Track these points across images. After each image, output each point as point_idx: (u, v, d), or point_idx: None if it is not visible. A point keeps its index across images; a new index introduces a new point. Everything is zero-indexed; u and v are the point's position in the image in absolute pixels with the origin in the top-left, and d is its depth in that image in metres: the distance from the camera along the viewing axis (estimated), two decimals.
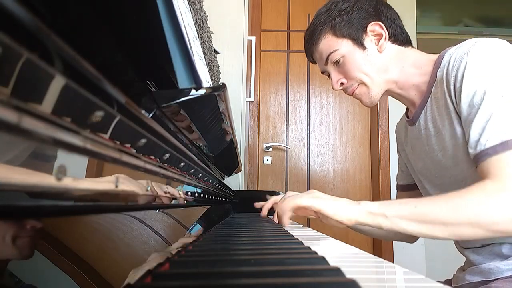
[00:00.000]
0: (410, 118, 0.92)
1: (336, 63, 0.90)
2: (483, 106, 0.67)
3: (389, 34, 0.87)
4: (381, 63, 0.88)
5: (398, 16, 0.91)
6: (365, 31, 0.87)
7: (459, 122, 0.76)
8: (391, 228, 0.67)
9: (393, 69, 0.88)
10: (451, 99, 0.76)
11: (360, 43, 0.87)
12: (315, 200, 0.74)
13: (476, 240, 0.82)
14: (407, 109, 0.97)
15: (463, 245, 0.88)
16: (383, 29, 0.87)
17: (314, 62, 0.98)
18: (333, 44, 0.89)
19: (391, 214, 0.67)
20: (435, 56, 0.85)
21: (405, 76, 0.88)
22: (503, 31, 2.69)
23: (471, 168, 0.76)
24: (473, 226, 0.62)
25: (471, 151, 0.68)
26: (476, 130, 0.68)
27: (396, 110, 2.23)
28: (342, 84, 0.92)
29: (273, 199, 1.16)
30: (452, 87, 0.75)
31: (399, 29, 0.89)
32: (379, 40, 0.87)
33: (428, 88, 0.84)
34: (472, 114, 0.69)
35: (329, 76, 0.94)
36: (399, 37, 0.89)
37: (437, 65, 0.82)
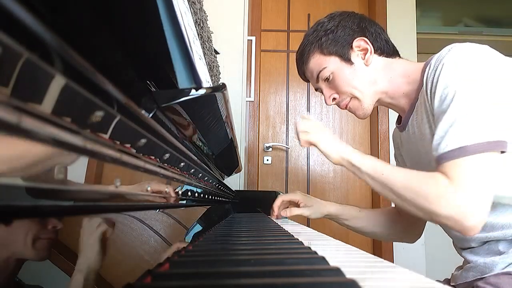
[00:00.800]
0: (401, 124, 0.96)
1: (327, 79, 0.94)
2: (449, 111, 0.71)
3: (374, 48, 0.91)
4: (369, 76, 0.92)
5: (383, 30, 0.96)
6: (351, 47, 0.91)
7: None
8: (361, 178, 0.82)
9: (381, 80, 0.92)
10: (429, 103, 0.80)
11: (347, 59, 0.91)
12: (313, 134, 0.89)
13: (472, 240, 0.83)
14: (399, 116, 1.00)
15: (461, 246, 0.88)
16: (368, 44, 0.91)
17: (307, 81, 1.03)
18: (322, 62, 0.93)
19: (364, 170, 0.80)
20: (422, 64, 0.88)
21: (394, 86, 0.91)
22: (503, 31, 2.68)
23: None
24: (417, 209, 0.72)
25: (433, 153, 0.73)
26: (439, 133, 0.72)
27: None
28: (334, 99, 0.96)
29: (280, 198, 1.17)
30: (429, 92, 0.79)
31: (384, 42, 0.93)
32: (365, 54, 0.91)
33: (416, 95, 0.88)
34: (440, 118, 0.73)
35: (322, 92, 0.98)
36: (385, 50, 0.93)
37: (423, 72, 0.85)
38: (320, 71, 0.94)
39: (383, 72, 0.92)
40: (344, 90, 0.93)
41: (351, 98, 0.94)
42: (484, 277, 0.79)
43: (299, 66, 1.02)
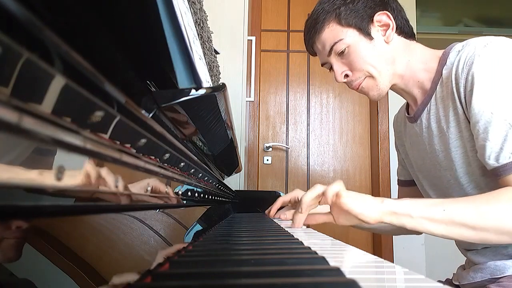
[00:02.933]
0: (412, 115, 0.90)
1: (341, 54, 0.85)
2: (499, 116, 0.66)
3: (396, 25, 0.84)
4: (388, 55, 0.84)
5: (403, 8, 0.88)
6: (372, 20, 0.83)
7: (467, 126, 0.74)
8: (414, 228, 0.67)
9: (400, 62, 0.84)
10: (460, 102, 0.74)
11: (366, 33, 0.83)
12: (346, 197, 0.70)
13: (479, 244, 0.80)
14: (407, 104, 0.94)
15: (465, 247, 0.86)
16: (390, 19, 0.83)
17: (314, 54, 0.93)
18: (338, 34, 0.84)
19: (418, 215, 0.66)
20: (439, 52, 0.82)
21: (411, 71, 0.85)
22: (503, 31, 2.68)
23: (477, 173, 0.75)
24: (501, 233, 0.63)
25: (490, 162, 0.67)
26: (495, 141, 0.66)
27: (396, 110, 2.23)
28: (346, 76, 0.87)
29: (281, 199, 1.08)
30: (462, 90, 0.72)
31: (404, 21, 0.86)
32: (386, 30, 0.84)
33: (432, 86, 0.82)
34: (485, 122, 0.67)
35: (330, 68, 0.90)
36: (405, 30, 0.86)
37: (442, 62, 0.79)
38: (335, 43, 0.84)
39: (402, 53, 0.84)
40: (360, 67, 0.84)
41: (365, 77, 0.85)
42: (495, 279, 0.76)
43: (309, 36, 0.90)
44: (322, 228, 0.84)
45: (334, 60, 0.87)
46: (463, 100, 0.73)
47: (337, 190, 0.72)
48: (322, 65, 0.92)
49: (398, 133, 1.03)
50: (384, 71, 0.84)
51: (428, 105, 0.83)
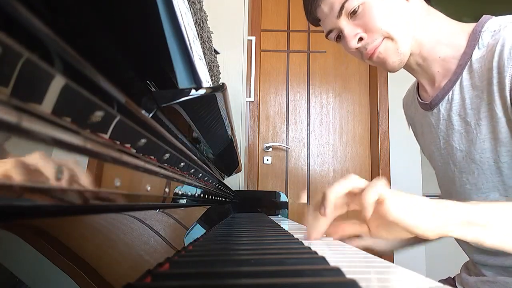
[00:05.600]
0: (427, 101, 0.75)
1: (353, 14, 0.70)
2: None
3: None
4: (408, 14, 0.70)
5: None
6: None
7: (504, 127, 0.62)
8: (497, 246, 0.48)
9: (420, 26, 0.71)
10: (501, 96, 0.61)
11: None
12: (392, 204, 0.51)
13: (489, 258, 0.74)
14: (418, 86, 0.80)
15: (476, 261, 0.79)
16: None
17: (317, 22, 0.77)
18: None
19: (498, 225, 0.48)
20: (469, 27, 0.69)
21: (432, 41, 0.71)
22: None
23: (509, 183, 0.65)
24: None
25: None
26: None
27: (397, 111, 2.23)
28: (361, 39, 0.71)
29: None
30: (508, 81, 0.59)
31: None
32: None
33: (457, 70, 0.69)
34: None
35: (337, 38, 0.75)
36: None
37: (471, 42, 0.67)
38: (346, 0, 0.69)
39: (422, 18, 0.71)
40: (377, 27, 0.69)
41: (383, 38, 0.70)
42: None
43: None
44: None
45: (345, 23, 0.71)
46: (507, 94, 0.60)
47: (379, 192, 0.53)
48: (327, 35, 0.77)
49: (410, 119, 0.89)
50: (404, 33, 0.70)
51: (450, 93, 0.70)
